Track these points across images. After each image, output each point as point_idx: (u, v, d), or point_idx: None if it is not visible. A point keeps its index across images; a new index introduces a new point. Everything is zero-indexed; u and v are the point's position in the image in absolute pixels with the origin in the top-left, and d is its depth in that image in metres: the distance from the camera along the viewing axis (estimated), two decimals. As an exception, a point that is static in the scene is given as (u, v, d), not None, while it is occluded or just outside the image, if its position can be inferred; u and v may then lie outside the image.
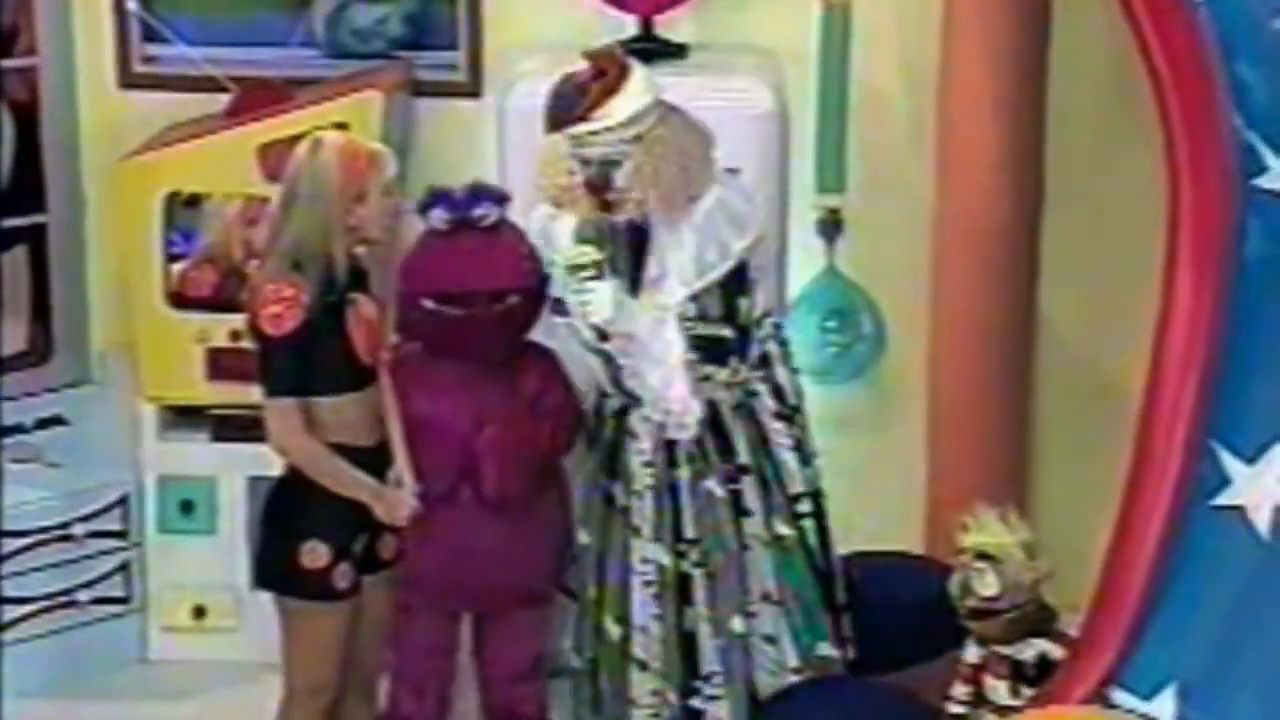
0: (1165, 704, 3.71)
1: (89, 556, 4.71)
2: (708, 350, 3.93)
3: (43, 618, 4.66)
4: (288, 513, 3.86)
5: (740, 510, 4.02)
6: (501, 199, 4.14)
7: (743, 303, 3.93)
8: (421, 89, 4.78)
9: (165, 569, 4.64)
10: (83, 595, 4.71)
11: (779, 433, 4.04)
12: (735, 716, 4.04)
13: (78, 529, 4.67)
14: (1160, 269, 3.78)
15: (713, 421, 3.98)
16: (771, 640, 4.07)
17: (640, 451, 4.00)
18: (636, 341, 3.93)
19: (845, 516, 4.48)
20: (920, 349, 4.61)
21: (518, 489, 4.14)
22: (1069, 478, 4.69)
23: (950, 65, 4.46)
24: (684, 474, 3.98)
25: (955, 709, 3.92)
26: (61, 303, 4.83)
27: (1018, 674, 3.85)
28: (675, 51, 4.63)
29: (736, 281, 3.92)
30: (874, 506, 4.72)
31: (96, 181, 4.79)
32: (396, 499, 3.88)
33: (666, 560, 4.00)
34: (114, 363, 4.80)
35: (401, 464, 3.93)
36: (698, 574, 4.00)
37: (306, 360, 3.75)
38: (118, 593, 4.75)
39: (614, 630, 4.08)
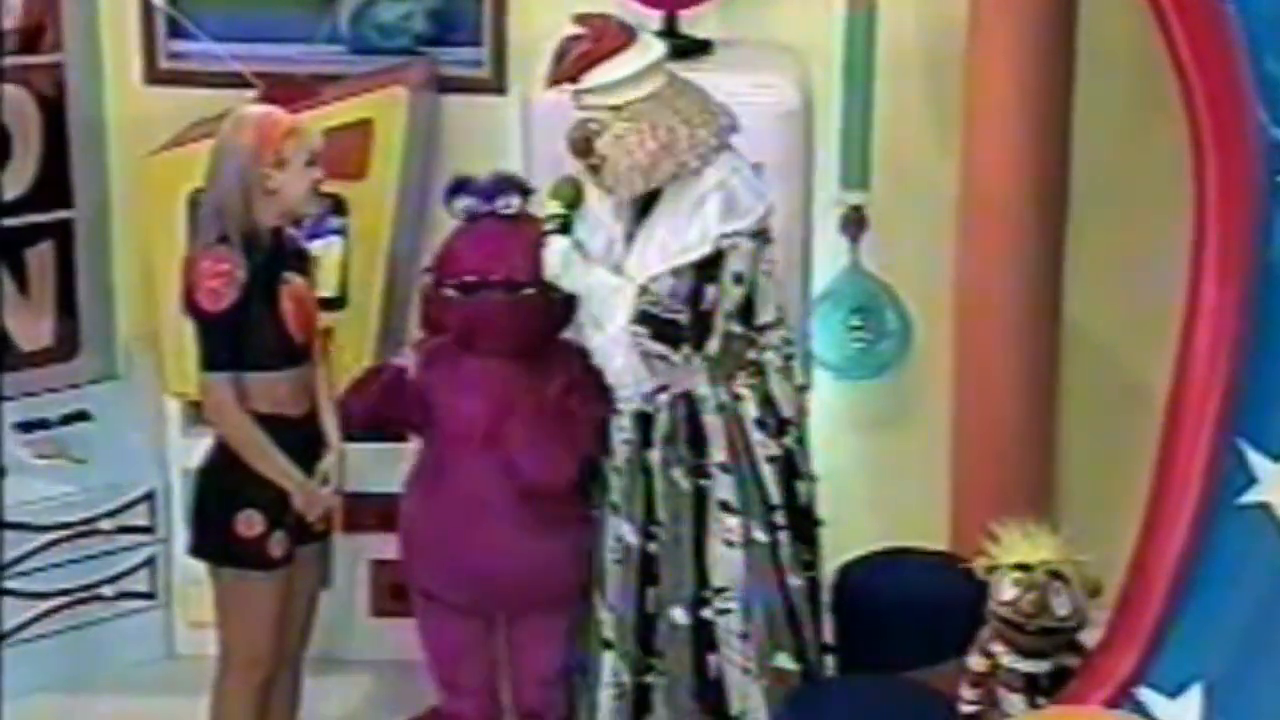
0: (1191, 702, 3.71)
1: (114, 552, 4.72)
2: (660, 330, 3.90)
3: (68, 612, 4.68)
4: (223, 482, 3.93)
5: (703, 507, 3.99)
6: (525, 190, 4.16)
7: (709, 290, 3.89)
8: (446, 85, 4.79)
9: (191, 564, 4.63)
10: (108, 590, 4.72)
11: (760, 443, 4.00)
12: (670, 704, 4.04)
13: (104, 524, 4.68)
14: (1186, 266, 3.78)
15: (689, 415, 3.97)
16: (745, 637, 4.05)
17: (621, 428, 4.00)
18: (584, 304, 3.96)
19: (868, 513, 4.49)
20: (945, 346, 4.61)
21: (557, 476, 4.08)
22: (1095, 475, 4.68)
23: (975, 61, 4.45)
24: (655, 456, 3.97)
25: (968, 709, 3.90)
26: (87, 298, 4.86)
27: (1032, 686, 3.83)
28: (700, 48, 4.63)
29: (710, 268, 3.89)
30: (897, 503, 4.72)
31: (122, 177, 4.82)
32: (315, 495, 3.94)
33: (634, 540, 4.00)
34: (139, 358, 4.82)
35: (333, 461, 3.97)
36: (663, 556, 4.00)
37: (242, 336, 3.82)
38: (143, 588, 4.77)
39: (597, 609, 4.10)
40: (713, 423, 3.97)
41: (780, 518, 4.03)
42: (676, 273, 3.88)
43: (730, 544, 3.99)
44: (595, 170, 3.91)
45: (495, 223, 4.12)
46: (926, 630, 4.13)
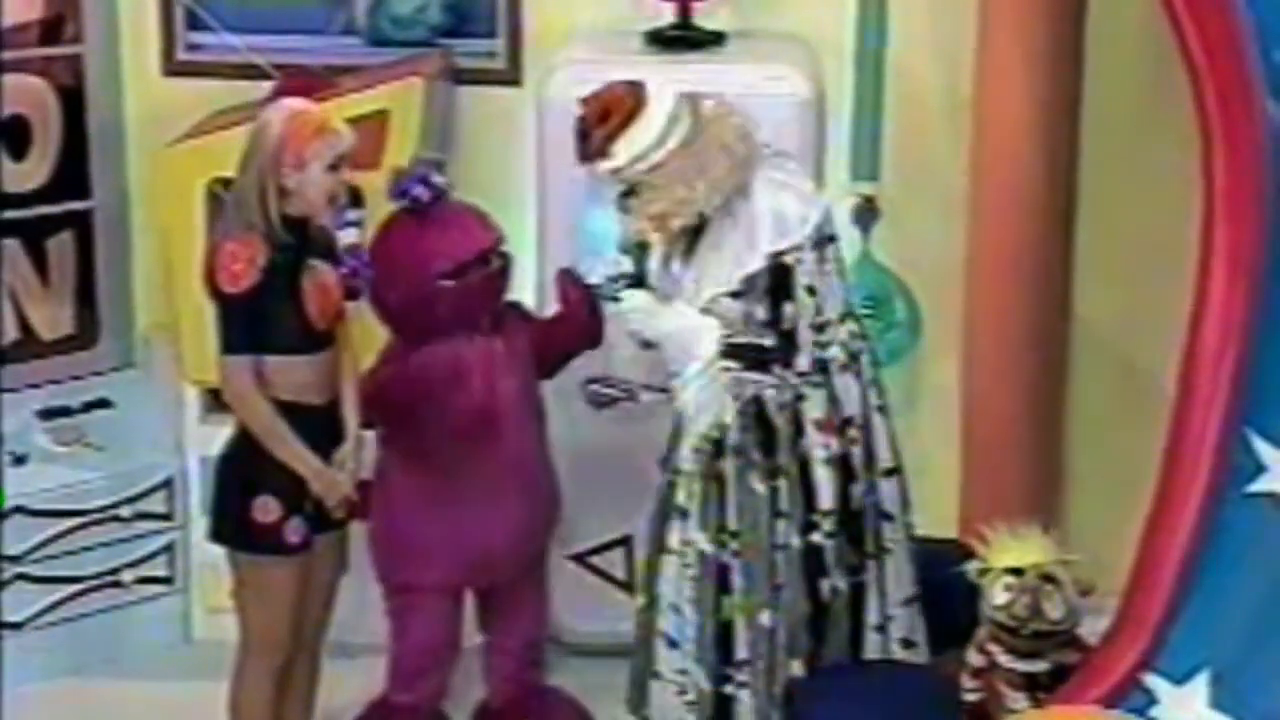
0: (1199, 689, 3.73)
1: (133, 538, 4.76)
2: (750, 358, 3.91)
3: (87, 598, 4.72)
4: (241, 468, 3.95)
5: (776, 510, 4.00)
6: (438, 164, 4.23)
7: (788, 309, 3.90)
8: (461, 76, 4.81)
9: (209, 549, 4.67)
10: (127, 576, 4.76)
11: (817, 443, 3.98)
12: (760, 706, 4.03)
13: (123, 510, 4.73)
14: (1195, 256, 3.79)
15: (758, 417, 3.98)
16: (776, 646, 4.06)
17: (691, 434, 3.99)
18: (663, 349, 3.98)
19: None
20: (955, 336, 4.63)
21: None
22: (1103, 465, 4.70)
23: (986, 53, 4.48)
24: (729, 466, 3.98)
25: (970, 697, 3.91)
26: (106, 287, 4.89)
27: (1033, 684, 3.84)
28: (713, 39, 4.66)
29: (782, 288, 3.90)
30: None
31: (141, 168, 4.85)
32: (334, 481, 3.95)
33: (708, 547, 4.01)
34: (158, 346, 4.85)
35: (350, 448, 3.98)
36: (736, 564, 4.01)
37: (261, 319, 3.84)
38: (162, 573, 4.81)
39: (641, 603, 4.13)
40: (778, 423, 3.97)
41: (830, 523, 4.00)
42: (741, 296, 3.88)
43: (784, 546, 4.00)
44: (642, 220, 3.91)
45: (443, 204, 4.15)
46: (935, 616, 4.15)
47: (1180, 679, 3.75)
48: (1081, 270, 4.63)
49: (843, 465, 4.01)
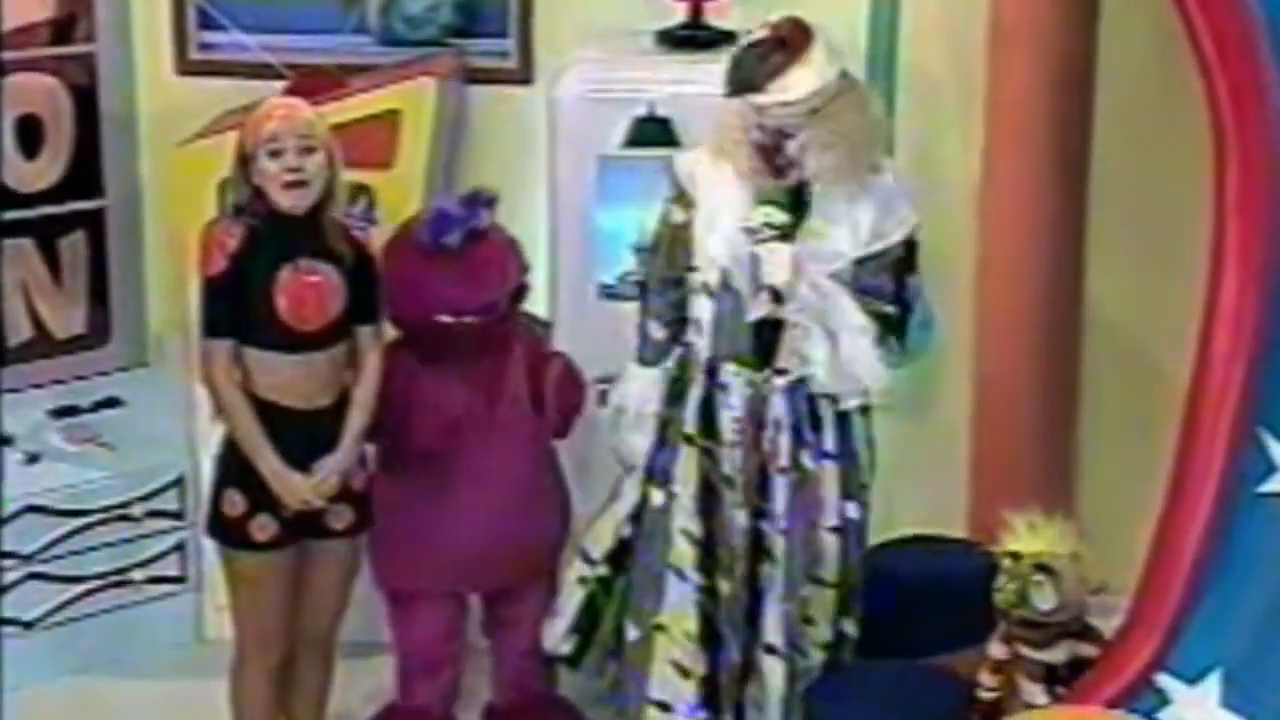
0: (1210, 689, 3.73)
1: (145, 536, 4.77)
2: (881, 329, 3.95)
3: (99, 597, 4.73)
4: (223, 461, 3.96)
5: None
6: (492, 202, 4.19)
7: (911, 281, 3.95)
8: (473, 75, 4.82)
9: (220, 549, 4.71)
10: (138, 575, 4.77)
11: (857, 424, 4.05)
12: (787, 685, 4.05)
13: (135, 509, 4.74)
14: (1208, 254, 3.79)
15: (808, 399, 4.00)
16: (809, 621, 4.09)
17: (730, 406, 3.99)
18: (809, 309, 3.93)
19: (888, 501, 4.50)
20: (967, 333, 4.63)
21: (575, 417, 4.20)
22: (1115, 463, 4.70)
23: (997, 51, 4.48)
24: (769, 436, 3.98)
25: (986, 695, 3.92)
26: (118, 287, 4.91)
27: (1051, 676, 3.84)
28: (724, 39, 4.66)
29: (910, 259, 3.93)
30: (917, 490, 4.73)
31: (153, 167, 4.86)
32: (291, 485, 3.88)
33: (744, 521, 4.01)
34: (169, 346, 4.86)
35: (336, 457, 3.90)
36: (781, 541, 4.01)
37: (234, 308, 3.86)
38: (173, 572, 4.82)
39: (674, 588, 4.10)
40: (824, 408, 4.02)
41: (868, 496, 4.11)
42: (864, 265, 3.90)
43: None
44: (779, 173, 3.86)
45: (474, 243, 4.14)
46: (949, 616, 4.15)
47: (1192, 679, 3.75)
48: (1094, 265, 4.62)
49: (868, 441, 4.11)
